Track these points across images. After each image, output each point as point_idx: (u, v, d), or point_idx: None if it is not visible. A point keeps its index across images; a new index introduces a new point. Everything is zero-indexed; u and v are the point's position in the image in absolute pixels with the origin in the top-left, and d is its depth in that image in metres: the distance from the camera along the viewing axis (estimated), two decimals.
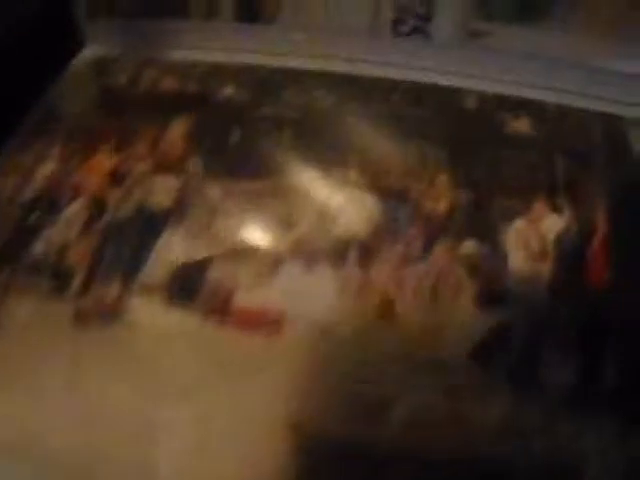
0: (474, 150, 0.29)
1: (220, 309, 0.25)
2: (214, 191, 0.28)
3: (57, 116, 0.33)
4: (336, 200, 0.28)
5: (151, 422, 0.24)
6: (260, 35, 0.33)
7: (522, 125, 0.31)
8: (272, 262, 0.26)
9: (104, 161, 0.31)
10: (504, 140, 0.30)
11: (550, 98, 0.32)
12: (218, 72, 0.33)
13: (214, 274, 0.26)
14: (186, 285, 0.26)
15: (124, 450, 0.23)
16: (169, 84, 0.33)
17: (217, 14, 0.33)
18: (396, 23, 0.33)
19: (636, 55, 0.32)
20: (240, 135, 0.30)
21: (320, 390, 0.23)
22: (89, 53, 0.36)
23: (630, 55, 0.32)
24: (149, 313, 0.26)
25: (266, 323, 0.25)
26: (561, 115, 0.32)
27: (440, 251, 0.26)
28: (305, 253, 0.26)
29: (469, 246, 0.27)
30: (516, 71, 0.32)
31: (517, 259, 0.26)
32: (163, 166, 0.29)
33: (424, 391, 0.23)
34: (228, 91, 0.32)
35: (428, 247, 0.26)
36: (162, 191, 0.29)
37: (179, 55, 0.34)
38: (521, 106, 0.31)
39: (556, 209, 0.28)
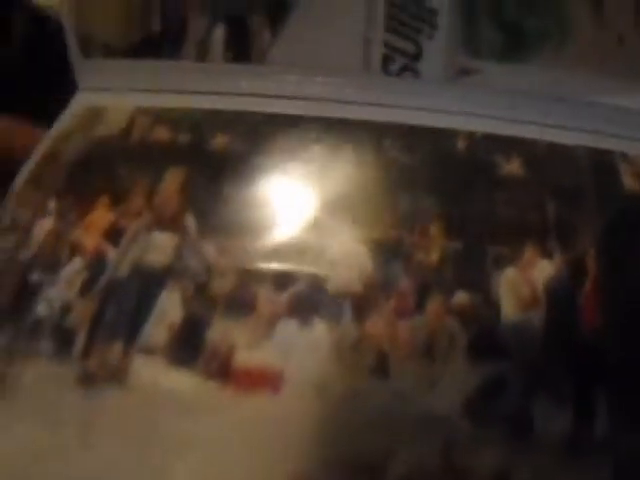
0: (465, 196, 0.30)
1: (220, 370, 0.27)
2: (209, 249, 0.29)
3: (51, 167, 0.34)
4: (329, 255, 0.29)
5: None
6: (251, 77, 0.34)
7: (514, 167, 0.32)
8: (269, 320, 0.28)
9: (101, 217, 0.32)
10: (496, 184, 0.31)
11: (540, 135, 0.32)
12: (210, 120, 0.34)
13: (213, 335, 0.27)
14: (186, 346, 0.28)
15: None
16: (161, 134, 0.34)
17: (207, 54, 0.34)
18: (386, 62, 0.33)
19: (624, 89, 0.33)
20: (233, 187, 0.31)
21: (317, 450, 0.25)
22: (82, 97, 0.37)
23: (618, 90, 0.33)
24: (152, 374, 0.27)
25: (265, 383, 0.26)
26: (551, 153, 0.32)
27: (433, 304, 0.27)
28: (301, 310, 0.28)
29: (461, 297, 0.28)
30: (506, 108, 0.33)
31: (509, 308, 0.28)
32: (159, 222, 0.31)
33: (419, 446, 0.25)
34: (221, 140, 0.33)
35: (421, 300, 0.28)
36: (159, 249, 0.30)
37: (171, 100, 0.35)
38: (512, 146, 0.32)
39: (546, 254, 0.29)
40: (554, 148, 0.33)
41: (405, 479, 0.25)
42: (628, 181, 0.32)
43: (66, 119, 0.36)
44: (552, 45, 0.33)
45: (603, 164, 0.32)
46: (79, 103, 0.37)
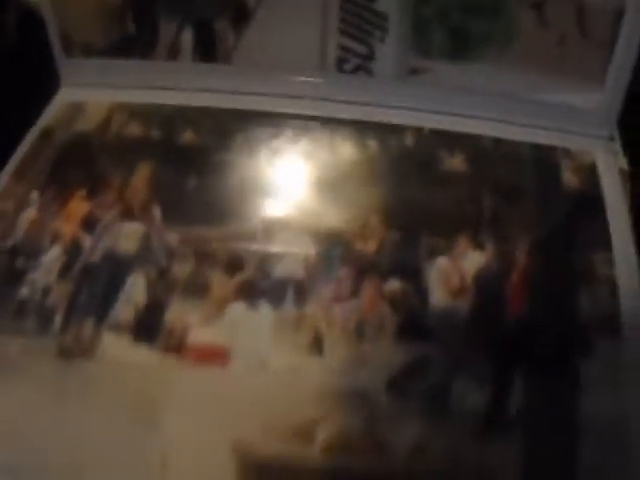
0: (406, 189, 0.33)
1: (176, 346, 0.30)
2: (172, 236, 0.32)
3: (34, 161, 0.38)
4: (277, 244, 0.32)
5: (122, 442, 0.29)
6: (218, 75, 0.36)
7: (457, 162, 0.34)
8: (220, 303, 0.31)
9: (78, 208, 0.35)
10: (436, 178, 0.33)
11: (485, 131, 0.35)
12: (179, 115, 0.37)
13: (171, 315, 0.31)
14: (148, 325, 0.31)
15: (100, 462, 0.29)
16: (135, 129, 0.37)
17: (178, 54, 0.37)
18: (340, 62, 0.35)
19: (566, 87, 0.34)
20: (195, 181, 0.34)
21: (257, 419, 0.28)
22: (63, 94, 0.40)
23: (561, 87, 0.34)
24: (118, 349, 0.31)
25: (215, 358, 0.30)
26: (496, 148, 0.34)
27: (367, 289, 0.30)
28: (248, 294, 0.31)
29: (393, 284, 0.30)
30: (453, 105, 0.35)
31: (438, 295, 0.30)
32: (129, 213, 0.34)
33: (345, 417, 0.28)
34: (187, 136, 0.36)
35: (357, 286, 0.30)
36: (128, 237, 0.33)
37: (144, 96, 0.37)
38: (458, 141, 0.34)
39: (478, 245, 0.31)
40: (499, 144, 0.35)
41: (331, 445, 0.28)
42: (568, 177, 0.34)
43: (49, 114, 0.40)
44: (497, 45, 0.35)
45: (545, 160, 0.34)
46: (61, 99, 0.41)
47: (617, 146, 0.37)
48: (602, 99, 0.36)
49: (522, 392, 0.29)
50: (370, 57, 0.36)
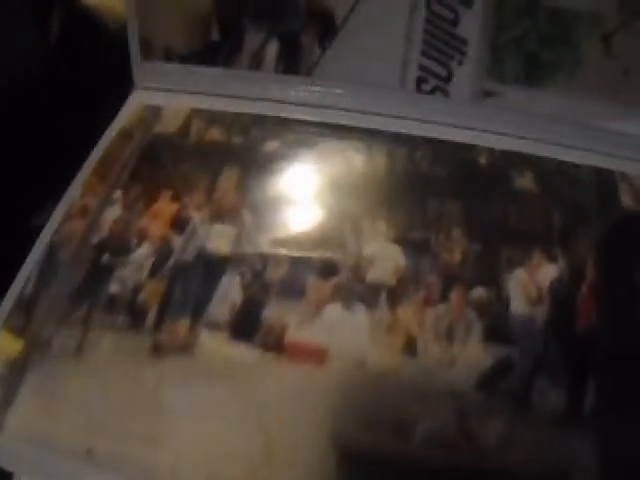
0: (485, 205, 0.36)
1: (275, 344, 0.33)
2: (264, 241, 0.35)
3: (115, 160, 0.40)
4: (368, 250, 0.35)
5: (223, 437, 0.31)
6: (299, 88, 0.39)
7: (526, 181, 0.38)
8: (316, 304, 0.34)
9: (166, 208, 0.37)
10: (510, 195, 0.37)
11: (551, 153, 0.39)
12: (261, 124, 0.39)
13: (268, 314, 0.33)
14: (245, 323, 0.33)
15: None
16: (216, 135, 0.39)
17: (261, 64, 0.39)
18: (419, 82, 0.39)
19: (627, 115, 0.39)
20: (282, 188, 0.37)
21: (354, 415, 0.31)
22: (139, 96, 0.42)
23: (622, 115, 0.39)
24: (216, 346, 0.33)
25: (312, 356, 0.32)
26: (560, 170, 0.38)
27: (455, 296, 0.34)
28: (344, 296, 0.34)
29: (478, 292, 0.34)
30: (522, 128, 0.39)
31: (517, 304, 0.34)
32: (219, 215, 0.36)
33: (439, 414, 0.31)
34: (272, 145, 0.38)
35: (445, 292, 0.34)
36: (220, 238, 0.36)
37: (225, 103, 0.40)
38: (526, 162, 0.38)
39: (551, 259, 0.35)
40: (562, 166, 0.39)
41: (426, 441, 0.31)
42: (626, 199, 0.39)
43: (124, 115, 0.42)
44: (565, 73, 0.39)
45: (605, 182, 0.39)
46: (136, 101, 0.42)
47: None
48: None
49: (596, 396, 0.33)
50: (448, 79, 0.39)
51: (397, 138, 0.39)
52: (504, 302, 0.34)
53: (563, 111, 0.40)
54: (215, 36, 0.41)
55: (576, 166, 0.39)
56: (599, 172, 0.39)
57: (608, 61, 0.40)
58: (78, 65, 0.44)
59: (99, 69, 0.42)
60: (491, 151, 0.39)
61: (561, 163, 0.39)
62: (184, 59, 0.41)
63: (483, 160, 0.39)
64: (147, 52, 0.41)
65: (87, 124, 0.41)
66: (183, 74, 0.41)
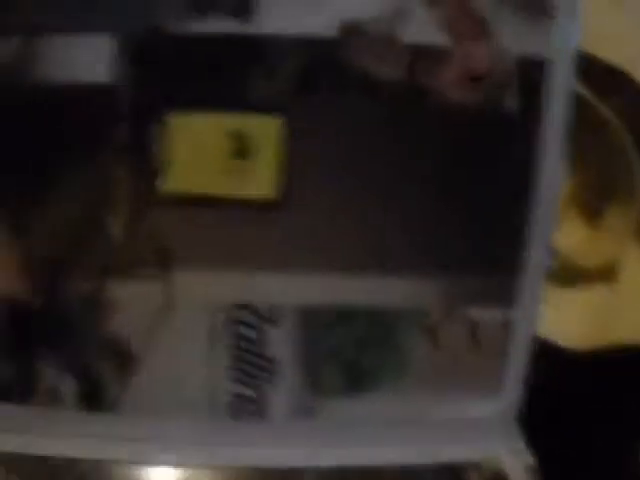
0: None
1: None
2: None
3: None
4: None
5: None
6: (102, 424, 0.38)
7: None
8: None
9: None
10: None
11: (388, 458, 0.38)
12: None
13: None
14: None
15: None
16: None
17: (57, 401, 0.38)
18: (231, 407, 0.38)
19: (463, 401, 0.38)
20: None
21: None
22: None
23: (458, 402, 0.38)
24: None
25: None
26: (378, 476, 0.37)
27: None
28: None
29: None
30: (351, 439, 0.38)
31: None
32: None
33: None
34: None
35: None
36: None
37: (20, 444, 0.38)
38: (361, 477, 0.37)
39: None
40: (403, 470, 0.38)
41: None
42: None
43: None
44: (391, 374, 0.38)
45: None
46: None
47: (521, 444, 0.41)
48: (499, 406, 0.40)
49: None
50: (261, 401, 0.38)
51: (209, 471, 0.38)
52: None
53: (392, 412, 0.39)
54: (6, 371, 0.40)
55: (419, 466, 0.39)
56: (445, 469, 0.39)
57: (435, 352, 0.40)
58: None
59: None
60: (321, 471, 0.38)
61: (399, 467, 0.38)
62: None
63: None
64: None
65: None
66: None
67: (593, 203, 0.49)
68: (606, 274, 0.49)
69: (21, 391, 0.39)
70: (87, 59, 0.33)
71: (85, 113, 0.33)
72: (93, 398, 0.38)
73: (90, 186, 0.34)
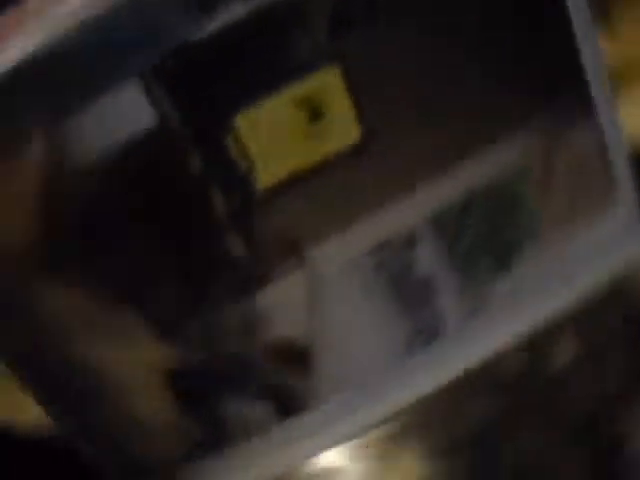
0: None
1: None
2: None
3: None
4: None
5: None
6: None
7: None
8: None
9: None
10: None
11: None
12: None
13: None
14: None
15: None
16: None
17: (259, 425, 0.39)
18: (409, 343, 0.39)
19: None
20: None
21: None
22: None
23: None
24: None
25: None
26: None
27: None
28: None
29: None
30: (525, 312, 0.40)
31: None
32: None
33: None
34: None
35: None
36: None
37: None
38: None
39: None
40: None
41: None
42: None
43: None
44: (530, 237, 0.39)
45: None
46: None
47: None
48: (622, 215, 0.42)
49: None
50: (432, 324, 0.39)
51: None
52: None
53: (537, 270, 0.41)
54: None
55: None
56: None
57: (552, 198, 0.42)
58: None
59: None
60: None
61: None
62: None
63: None
64: None
65: None
66: None
67: None
68: None
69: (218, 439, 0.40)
70: (125, 112, 0.33)
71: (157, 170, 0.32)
72: (288, 406, 0.40)
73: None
